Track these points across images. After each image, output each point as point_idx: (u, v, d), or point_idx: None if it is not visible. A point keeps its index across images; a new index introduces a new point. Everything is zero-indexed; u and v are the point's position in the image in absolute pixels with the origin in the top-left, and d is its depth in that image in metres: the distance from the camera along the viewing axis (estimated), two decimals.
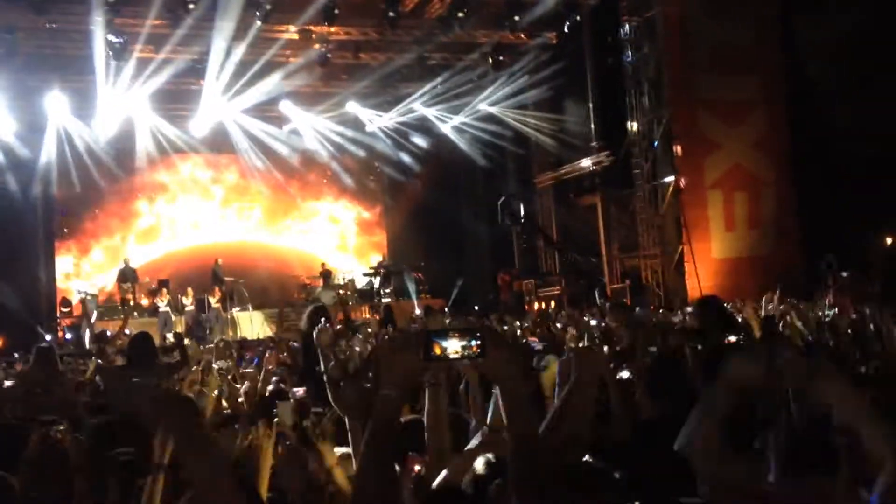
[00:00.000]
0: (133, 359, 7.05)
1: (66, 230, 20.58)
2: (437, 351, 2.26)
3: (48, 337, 15.40)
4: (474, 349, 2.25)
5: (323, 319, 7.34)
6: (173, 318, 18.11)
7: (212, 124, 20.15)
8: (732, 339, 5.37)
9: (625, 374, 4.71)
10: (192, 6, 15.91)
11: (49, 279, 19.42)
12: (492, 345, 2.24)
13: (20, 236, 18.75)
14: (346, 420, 3.58)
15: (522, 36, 19.26)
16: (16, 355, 11.65)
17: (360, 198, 23.06)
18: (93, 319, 17.72)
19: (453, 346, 2.26)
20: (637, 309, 11.77)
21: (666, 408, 3.98)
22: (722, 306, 7.16)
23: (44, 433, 4.49)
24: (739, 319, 7.91)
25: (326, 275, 20.71)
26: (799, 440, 2.51)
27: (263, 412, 5.69)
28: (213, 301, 18.87)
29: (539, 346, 5.59)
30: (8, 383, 8.47)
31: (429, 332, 2.31)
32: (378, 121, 22.01)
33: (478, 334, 2.27)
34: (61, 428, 4.47)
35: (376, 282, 21.26)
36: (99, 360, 10.13)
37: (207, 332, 17.79)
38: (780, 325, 7.22)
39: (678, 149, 17.38)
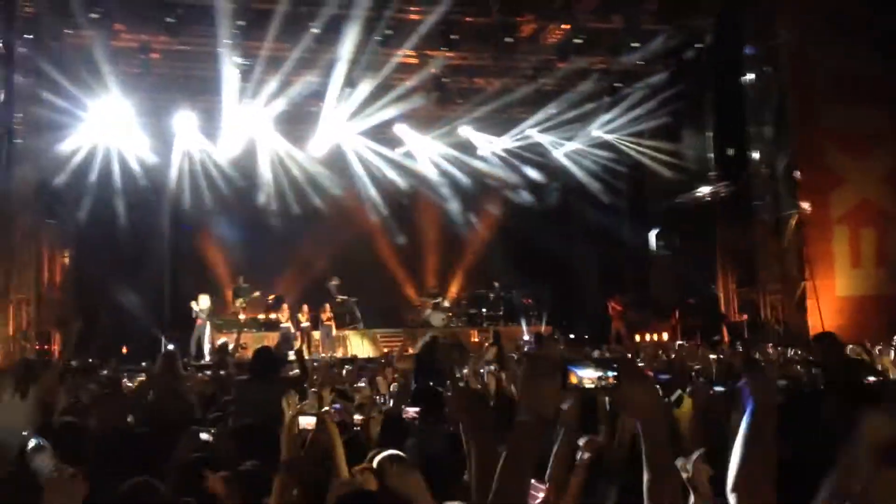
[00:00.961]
0: (256, 371, 7.23)
1: (189, 244, 21.31)
2: (573, 380, 2.22)
3: (171, 346, 15.95)
4: (610, 380, 2.21)
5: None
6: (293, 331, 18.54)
7: (330, 147, 20.62)
8: (872, 379, 5.13)
9: None
10: (316, 31, 16.39)
11: (172, 291, 20.22)
12: (629, 376, 2.19)
13: (147, 249, 19.62)
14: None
15: (640, 63, 19.01)
16: (143, 364, 12.08)
17: (471, 222, 23.08)
18: (207, 331, 18.31)
19: (589, 376, 2.22)
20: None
21: (799, 448, 3.82)
22: (841, 344, 6.89)
23: (193, 438, 4.65)
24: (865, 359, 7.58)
25: (436, 297, 20.82)
26: None
27: (391, 432, 5.74)
28: (325, 319, 19.22)
29: (665, 377, 5.43)
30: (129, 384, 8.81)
31: (565, 361, 2.27)
32: (491, 145, 22.11)
33: (614, 365, 2.22)
34: (212, 432, 4.62)
35: (485, 305, 21.27)
36: (221, 371, 10.48)
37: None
38: None
39: (805, 205, 16.76)
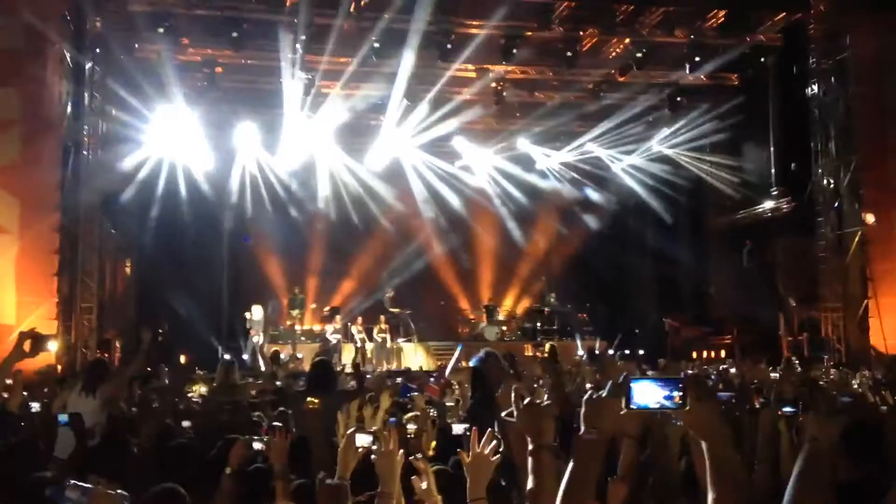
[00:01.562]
0: (313, 383, 7.29)
1: (248, 255, 21.61)
2: (639, 399, 2.20)
3: (227, 356, 16.17)
4: (676, 399, 2.18)
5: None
6: (342, 345, 18.61)
7: (388, 160, 20.76)
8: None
9: None
10: (377, 45, 16.54)
11: (231, 301, 20.51)
12: (696, 396, 2.16)
13: (207, 259, 19.96)
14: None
15: (703, 78, 18.80)
16: (201, 372, 12.25)
17: (527, 235, 23.00)
18: (259, 342, 18.53)
19: (654, 396, 2.19)
20: None
21: (863, 471, 3.73)
22: None
23: (246, 447, 4.69)
24: None
25: (491, 310, 20.78)
26: None
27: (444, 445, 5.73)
28: (379, 331, 19.31)
29: (726, 396, 5.33)
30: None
31: (630, 380, 2.25)
32: (549, 159, 22.06)
33: (680, 385, 2.19)
34: (264, 440, 4.66)
35: (540, 320, 21.15)
36: (276, 382, 10.58)
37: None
38: None
39: (871, 218, 16.37)
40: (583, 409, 2.24)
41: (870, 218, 16.31)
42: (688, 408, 2.13)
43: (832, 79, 17.16)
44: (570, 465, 2.21)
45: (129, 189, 18.02)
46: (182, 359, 16.84)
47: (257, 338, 18.64)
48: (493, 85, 18.87)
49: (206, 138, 19.24)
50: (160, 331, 18.69)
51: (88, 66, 16.23)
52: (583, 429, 2.21)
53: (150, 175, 18.42)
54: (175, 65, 17.03)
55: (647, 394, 2.19)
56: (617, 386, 2.23)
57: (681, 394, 2.15)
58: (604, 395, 2.25)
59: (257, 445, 4.72)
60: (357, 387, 7.84)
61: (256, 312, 18.90)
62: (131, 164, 17.92)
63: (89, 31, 16.18)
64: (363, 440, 3.58)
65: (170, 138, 18.59)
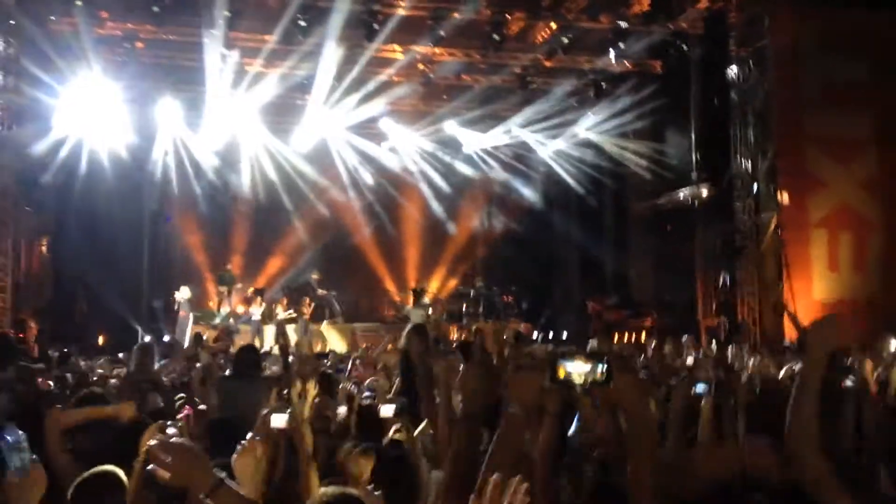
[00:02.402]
0: (239, 369, 7.22)
1: (170, 235, 21.22)
2: (562, 374, 2.24)
3: (147, 338, 15.89)
4: (599, 375, 2.22)
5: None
6: (265, 327, 18.41)
7: (315, 140, 20.54)
8: (849, 383, 5.15)
9: None
10: (302, 24, 16.32)
11: (151, 282, 20.13)
12: (619, 371, 2.21)
13: (127, 238, 19.51)
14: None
15: (627, 63, 19.07)
16: (121, 355, 12.00)
17: (454, 218, 23.07)
18: (189, 323, 18.21)
19: (578, 371, 2.23)
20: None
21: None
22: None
23: (160, 430, 4.60)
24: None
25: (418, 293, 20.80)
26: None
27: (363, 424, 5.76)
28: (304, 312, 19.14)
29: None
30: (113, 381, 8.76)
31: (555, 356, 2.29)
32: (476, 142, 22.12)
33: (605, 360, 2.24)
34: (179, 426, 4.57)
35: (466, 303, 21.28)
36: (197, 364, 10.41)
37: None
38: None
39: (785, 197, 16.86)
40: (508, 385, 2.27)
41: (784, 197, 16.80)
42: (613, 383, 2.18)
43: (751, 66, 17.59)
44: (495, 436, 2.24)
45: (45, 167, 17.46)
46: (100, 340, 16.48)
47: (188, 319, 18.30)
48: (420, 67, 18.83)
49: (126, 115, 18.74)
50: (75, 312, 18.28)
51: (1, 40, 15.67)
52: (508, 404, 2.24)
53: (68, 153, 17.85)
54: (93, 38, 16.53)
55: (573, 370, 2.23)
56: (541, 361, 2.26)
57: (605, 368, 2.20)
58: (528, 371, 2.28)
59: (172, 430, 4.62)
60: (283, 369, 7.76)
61: (185, 293, 18.59)
62: (48, 141, 17.36)
63: (2, 3, 15.60)
64: (279, 421, 3.54)
65: (88, 115, 18.03)
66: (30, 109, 16.99)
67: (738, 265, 17.97)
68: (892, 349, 8.50)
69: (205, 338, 15.79)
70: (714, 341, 15.15)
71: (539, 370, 2.24)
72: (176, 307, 18.49)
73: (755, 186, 17.70)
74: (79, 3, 15.38)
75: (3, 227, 15.87)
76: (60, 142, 17.61)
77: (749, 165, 17.78)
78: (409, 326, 7.69)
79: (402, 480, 3.92)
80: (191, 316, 18.42)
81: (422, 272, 22.61)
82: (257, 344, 15.39)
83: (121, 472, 3.46)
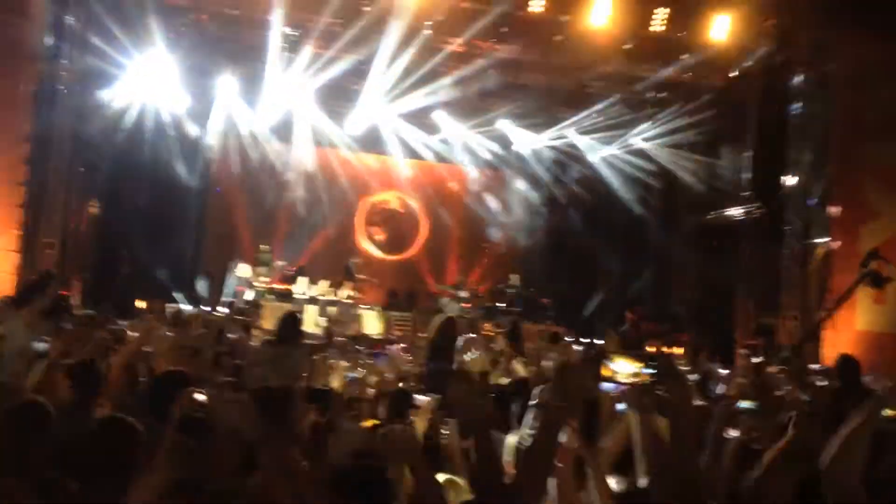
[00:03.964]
0: (281, 335, 7.36)
1: (219, 207, 21.47)
2: (608, 373, 2.23)
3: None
4: (644, 376, 2.21)
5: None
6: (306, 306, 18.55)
7: (368, 125, 20.63)
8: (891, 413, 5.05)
9: None
10: (366, 8, 16.41)
11: (195, 252, 20.40)
12: (666, 374, 2.20)
13: (176, 207, 19.80)
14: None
15: (688, 75, 18.88)
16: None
17: (499, 216, 23.01)
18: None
19: (626, 370, 2.23)
20: None
21: None
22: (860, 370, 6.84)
23: (190, 397, 4.67)
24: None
25: (456, 287, 20.83)
26: None
27: (394, 408, 5.80)
28: (344, 295, 19.32)
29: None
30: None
31: (602, 354, 2.28)
32: (527, 142, 22.05)
33: (652, 361, 2.23)
34: (205, 393, 4.63)
35: (502, 301, 21.26)
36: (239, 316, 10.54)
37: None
38: None
39: (837, 210, 16.63)
40: (555, 378, 2.27)
41: (835, 210, 16.55)
42: (660, 385, 2.17)
43: (814, 90, 17.32)
44: (537, 429, 2.24)
45: (103, 131, 17.76)
46: (138, 305, 16.72)
47: (250, 295, 18.63)
48: (480, 62, 18.78)
49: (185, 85, 18.99)
50: (118, 275, 18.55)
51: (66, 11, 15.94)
52: (553, 395, 2.24)
53: (125, 116, 18.15)
54: (161, 6, 16.77)
55: (618, 369, 2.22)
56: (589, 359, 2.26)
57: (653, 371, 2.19)
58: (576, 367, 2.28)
59: (200, 397, 4.66)
60: (325, 341, 7.91)
61: (243, 270, 18.92)
62: (107, 106, 17.66)
63: None
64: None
65: (149, 81, 18.30)
66: (92, 75, 17.27)
67: (782, 289, 17.72)
68: None
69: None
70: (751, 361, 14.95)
71: (586, 369, 2.23)
72: (237, 282, 18.86)
73: (807, 210, 17.45)
74: None
75: (57, 186, 16.14)
76: (120, 108, 17.92)
77: (803, 189, 17.52)
78: (438, 317, 7.77)
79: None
80: (246, 292, 18.80)
81: (461, 267, 22.58)
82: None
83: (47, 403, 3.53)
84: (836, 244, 16.53)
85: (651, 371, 2.00)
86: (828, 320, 16.08)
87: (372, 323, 19.26)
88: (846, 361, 6.79)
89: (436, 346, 7.23)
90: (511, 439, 4.71)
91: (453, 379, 2.36)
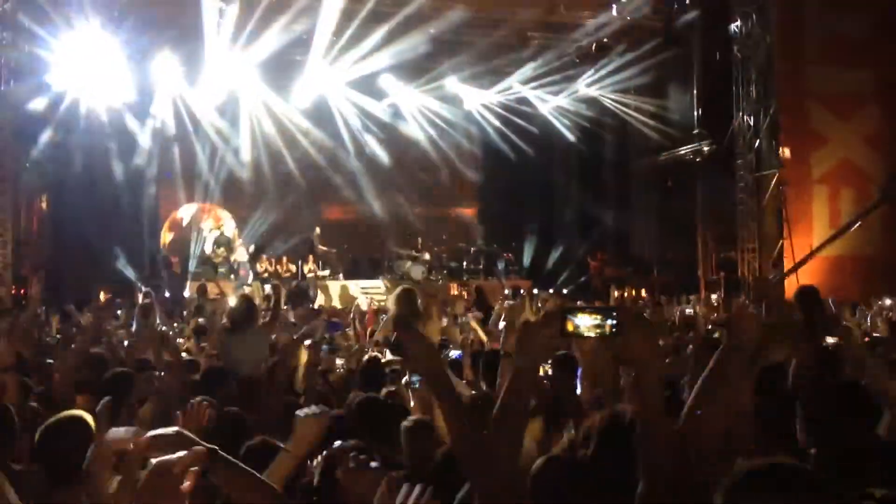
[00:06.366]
0: (236, 321, 7.31)
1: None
2: (570, 327, 2.25)
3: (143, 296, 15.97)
4: (608, 328, 2.23)
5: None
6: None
7: (314, 96, 20.36)
8: (831, 340, 5.12)
9: None
10: None
11: (151, 239, 20.15)
12: (630, 325, 2.21)
13: (127, 195, 19.46)
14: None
15: (628, 19, 18.88)
16: (119, 312, 12.04)
17: (454, 175, 22.94)
18: (248, 281, 18.45)
19: (587, 323, 2.24)
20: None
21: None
22: (821, 300, 6.94)
23: (147, 379, 4.80)
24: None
25: (417, 250, 20.80)
26: None
27: (367, 378, 5.83)
28: (307, 269, 19.24)
29: None
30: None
31: (564, 309, 2.30)
32: (476, 99, 21.95)
33: (614, 313, 2.24)
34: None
35: (466, 259, 21.30)
36: (199, 319, 10.49)
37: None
38: None
39: (786, 151, 16.82)
40: (517, 336, 2.29)
41: (786, 152, 16.78)
42: (623, 336, 2.19)
43: (753, 21, 17.44)
44: (503, 390, 2.26)
45: (44, 123, 17.35)
46: (101, 296, 16.51)
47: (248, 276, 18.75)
48: (421, 21, 18.59)
49: (125, 71, 18.55)
50: (74, 269, 18.32)
51: None
52: (517, 357, 2.26)
53: (66, 109, 17.72)
54: None
55: (580, 322, 2.24)
56: (550, 316, 2.27)
57: (615, 321, 2.21)
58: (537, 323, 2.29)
59: None
60: (271, 318, 7.85)
61: (242, 253, 18.84)
62: (46, 98, 17.23)
63: None
64: None
65: (87, 71, 17.85)
66: (27, 65, 16.85)
67: (738, 222, 17.98)
68: (888, 305, 8.52)
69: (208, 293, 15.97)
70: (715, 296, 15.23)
71: (549, 323, 2.25)
72: (235, 266, 18.91)
73: (757, 143, 17.65)
74: None
75: (2, 184, 15.83)
76: (59, 97, 17.46)
77: (751, 122, 17.70)
78: (397, 290, 7.78)
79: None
80: (251, 274, 18.82)
81: (421, 229, 22.50)
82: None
83: (88, 417, 3.50)
84: (787, 153, 16.69)
85: (613, 322, 2.03)
86: (817, 252, 16.30)
87: (336, 294, 19.21)
88: (804, 293, 6.87)
89: (399, 319, 7.25)
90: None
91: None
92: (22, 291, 16.15)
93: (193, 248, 20.02)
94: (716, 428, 2.35)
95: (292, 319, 11.01)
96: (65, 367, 5.01)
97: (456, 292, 18.82)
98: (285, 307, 11.63)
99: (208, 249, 19.36)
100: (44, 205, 18.43)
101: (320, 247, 19.85)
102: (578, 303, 10.65)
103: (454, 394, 2.36)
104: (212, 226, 20.50)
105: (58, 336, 8.81)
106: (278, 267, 19.28)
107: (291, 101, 20.33)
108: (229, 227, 19.26)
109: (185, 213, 20.78)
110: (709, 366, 2.39)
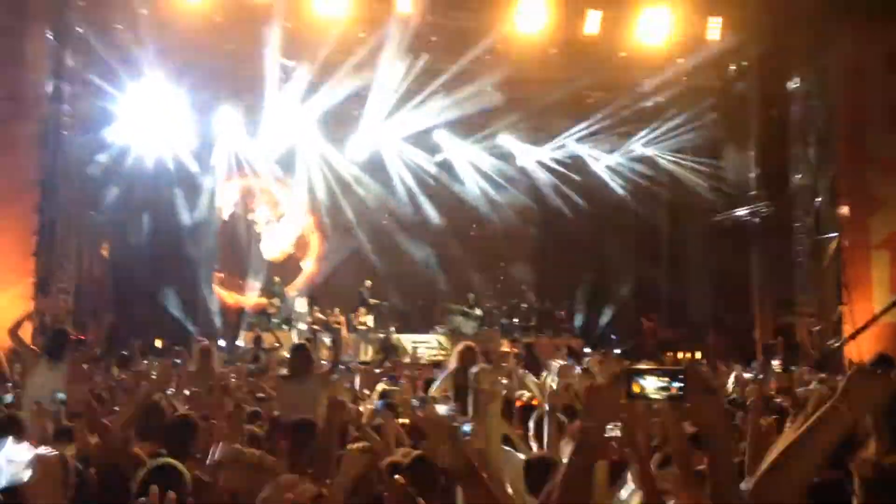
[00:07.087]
0: (293, 369, 7.38)
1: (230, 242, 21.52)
2: (637, 389, 2.23)
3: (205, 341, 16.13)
4: (674, 391, 2.21)
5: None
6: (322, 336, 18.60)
7: (370, 150, 20.65)
8: None
9: None
10: (362, 35, 16.51)
11: (210, 288, 20.41)
12: (696, 388, 2.19)
13: (187, 244, 19.82)
14: None
15: (685, 79, 18.89)
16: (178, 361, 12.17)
17: (509, 231, 22.87)
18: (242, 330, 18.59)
19: (653, 385, 2.22)
20: None
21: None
22: None
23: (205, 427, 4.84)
24: None
25: (470, 305, 20.76)
26: None
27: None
28: (358, 322, 19.34)
29: None
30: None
31: (630, 371, 2.28)
32: (529, 156, 21.98)
33: (681, 376, 2.22)
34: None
35: (518, 316, 21.19)
36: (253, 365, 10.61)
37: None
38: None
39: (846, 209, 16.58)
40: (584, 399, 2.27)
41: (845, 210, 16.52)
42: (688, 399, 2.16)
43: (813, 86, 17.32)
44: (571, 452, 2.24)
45: (109, 173, 17.84)
46: (158, 344, 16.75)
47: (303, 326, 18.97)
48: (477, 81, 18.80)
49: (187, 122, 19.05)
50: (133, 315, 18.60)
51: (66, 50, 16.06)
52: (584, 418, 2.24)
53: (131, 157, 18.23)
54: (156, 48, 16.84)
55: (646, 384, 2.22)
56: (617, 377, 2.26)
57: (681, 384, 2.18)
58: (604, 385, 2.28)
59: None
60: (329, 370, 7.91)
61: (300, 304, 19.10)
62: (111, 145, 17.75)
63: (67, 14, 15.98)
64: None
65: (150, 123, 18.39)
66: (94, 118, 17.38)
67: (796, 285, 17.66)
68: None
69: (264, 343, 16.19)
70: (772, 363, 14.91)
71: (616, 387, 2.23)
72: (293, 317, 19.32)
73: (816, 206, 17.41)
74: (144, 11, 15.75)
75: (67, 232, 16.23)
76: (123, 149, 18.00)
77: (809, 185, 17.49)
78: (459, 346, 7.80)
79: None
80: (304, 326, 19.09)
81: (475, 284, 22.41)
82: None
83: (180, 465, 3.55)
84: (846, 210, 16.38)
85: (680, 385, 1.99)
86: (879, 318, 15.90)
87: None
88: (883, 359, 6.63)
89: (458, 375, 7.32)
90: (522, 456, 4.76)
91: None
92: (81, 337, 16.42)
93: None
94: (797, 487, 2.19)
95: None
96: (127, 413, 5.05)
97: (507, 349, 18.70)
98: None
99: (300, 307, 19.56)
100: (105, 252, 18.80)
101: (370, 300, 19.95)
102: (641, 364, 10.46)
103: None
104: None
105: (119, 380, 8.93)
106: (330, 318, 19.35)
107: (346, 153, 20.62)
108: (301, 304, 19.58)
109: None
110: (807, 423, 2.21)
